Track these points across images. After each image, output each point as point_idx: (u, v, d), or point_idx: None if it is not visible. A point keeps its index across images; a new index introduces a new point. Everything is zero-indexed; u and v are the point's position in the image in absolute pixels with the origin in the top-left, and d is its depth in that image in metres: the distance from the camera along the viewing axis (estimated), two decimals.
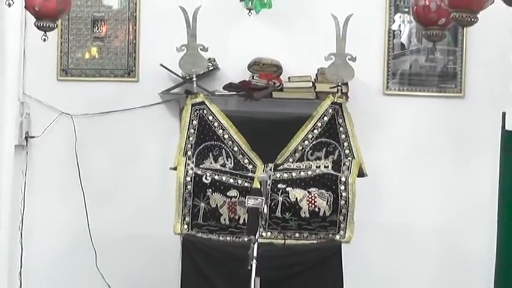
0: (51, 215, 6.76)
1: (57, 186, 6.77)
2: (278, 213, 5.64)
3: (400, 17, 6.65)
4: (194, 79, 6.06)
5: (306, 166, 5.80)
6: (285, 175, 5.73)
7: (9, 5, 4.54)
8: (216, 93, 6.44)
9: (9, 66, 6.36)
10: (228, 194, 5.67)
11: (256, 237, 4.83)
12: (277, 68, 6.49)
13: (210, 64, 6.37)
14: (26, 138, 6.74)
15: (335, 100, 5.92)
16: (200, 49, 5.98)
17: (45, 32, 5.13)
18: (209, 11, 6.04)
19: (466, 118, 6.64)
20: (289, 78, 6.48)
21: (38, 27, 5.07)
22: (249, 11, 5.98)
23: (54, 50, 6.69)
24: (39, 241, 6.75)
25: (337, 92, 5.95)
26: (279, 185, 5.68)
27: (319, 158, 5.85)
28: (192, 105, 5.93)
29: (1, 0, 4.47)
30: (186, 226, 5.72)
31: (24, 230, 6.72)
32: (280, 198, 5.64)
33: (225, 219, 5.69)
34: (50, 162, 6.79)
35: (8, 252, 6.50)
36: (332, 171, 5.75)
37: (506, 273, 6.37)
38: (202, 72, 6.18)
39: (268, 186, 5.49)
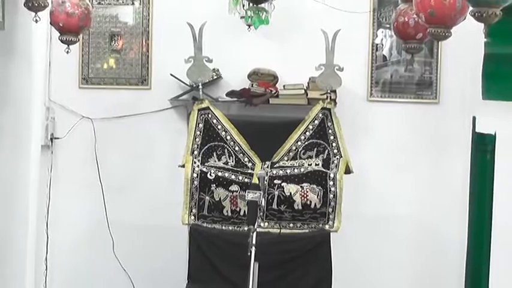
0: (73, 207, 6.78)
1: (79, 182, 6.79)
2: (274, 206, 5.64)
3: (382, 32, 6.65)
4: (200, 87, 6.06)
5: (299, 164, 5.80)
6: (281, 172, 5.73)
7: (36, 21, 4.55)
8: (220, 99, 6.45)
9: (36, 75, 6.36)
10: (230, 188, 5.67)
11: (255, 227, 4.84)
12: (273, 77, 6.50)
13: (214, 74, 6.38)
14: (51, 139, 6.75)
15: (324, 105, 5.92)
16: (205, 60, 5.98)
17: (68, 45, 5.12)
18: (213, 26, 6.04)
19: (441, 122, 6.65)
20: (284, 86, 6.50)
21: (62, 41, 5.08)
22: (249, 27, 5.98)
23: (76, 61, 6.71)
24: (63, 230, 6.76)
25: (327, 98, 5.95)
26: (275, 181, 5.67)
27: (310, 157, 5.85)
28: (198, 110, 5.93)
29: (29, 16, 4.48)
30: (192, 217, 5.72)
31: (49, 220, 6.74)
32: (276, 193, 5.64)
33: (227, 211, 5.69)
34: (72, 160, 6.81)
35: (35, 240, 6.50)
36: (322, 169, 5.75)
37: (476, 257, 6.39)
38: (207, 80, 6.19)
39: (265, 182, 5.48)
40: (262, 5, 5.71)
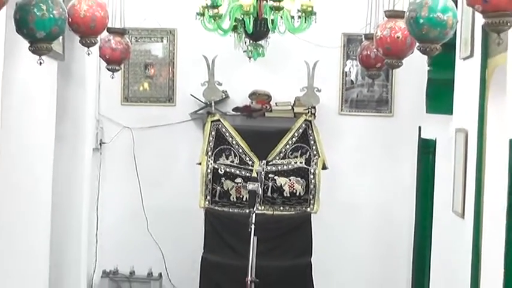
0: (117, 195, 6.77)
1: (121, 176, 6.78)
2: (269, 194, 5.64)
3: (350, 62, 6.64)
4: (213, 104, 6.08)
5: (287, 162, 5.80)
6: (273, 168, 5.73)
7: (89, 54, 4.51)
8: (227, 113, 6.43)
9: (89, 95, 6.36)
10: (235, 180, 5.68)
11: (254, 209, 4.83)
12: (268, 97, 6.48)
13: (223, 94, 6.37)
14: (100, 144, 6.74)
15: (307, 118, 5.92)
16: (217, 84, 5.99)
17: (112, 73, 5.10)
18: (223, 58, 6.05)
19: (394, 130, 6.64)
20: (276, 103, 6.48)
21: (108, 69, 5.05)
22: (249, 59, 5.96)
23: (119, 84, 6.70)
24: (109, 213, 6.76)
25: (308, 112, 5.96)
26: (269, 175, 5.67)
27: (296, 157, 5.84)
28: (211, 121, 5.93)
29: (83, 50, 4.46)
30: (207, 202, 5.72)
31: (99, 205, 6.73)
32: (270, 184, 5.64)
33: (233, 198, 5.69)
34: (116, 160, 6.80)
35: (88, 220, 6.51)
36: (305, 166, 5.75)
37: (421, 233, 6.39)
38: (218, 99, 6.20)
39: (262, 176, 5.48)
40: (260, 42, 5.70)
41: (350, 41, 6.58)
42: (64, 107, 5.85)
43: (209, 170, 5.70)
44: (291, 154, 5.85)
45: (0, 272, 4.04)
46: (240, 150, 5.84)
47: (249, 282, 4.76)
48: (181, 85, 6.70)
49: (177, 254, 6.60)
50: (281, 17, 5.24)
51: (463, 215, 5.08)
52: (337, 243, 6.62)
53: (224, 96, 6.46)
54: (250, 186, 5.09)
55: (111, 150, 6.78)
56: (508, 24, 2.88)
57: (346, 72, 6.68)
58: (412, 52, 4.11)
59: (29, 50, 3.80)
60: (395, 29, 4.11)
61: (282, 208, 5.71)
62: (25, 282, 4.86)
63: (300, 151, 5.85)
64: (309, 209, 5.72)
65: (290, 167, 5.75)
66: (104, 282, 6.67)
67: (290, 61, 6.44)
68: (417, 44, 3.66)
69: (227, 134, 5.89)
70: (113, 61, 5.01)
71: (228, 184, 5.71)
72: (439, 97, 5.80)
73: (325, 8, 5.27)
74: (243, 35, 5.59)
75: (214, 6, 5.18)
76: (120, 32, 4.97)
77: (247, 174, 5.65)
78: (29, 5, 3.69)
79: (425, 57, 3.86)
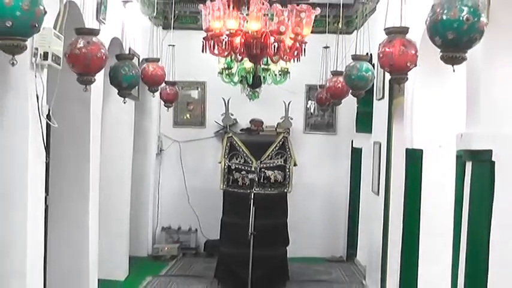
0: (170, 181, 6.72)
1: (172, 170, 6.73)
2: (262, 181, 5.59)
3: (310, 101, 6.65)
4: (228, 126, 6.05)
5: (273, 161, 5.75)
6: (265, 165, 5.68)
7: (153, 96, 4.54)
8: (237, 132, 6.38)
9: (154, 121, 6.39)
10: (241, 173, 5.62)
11: (253, 190, 4.81)
12: (261, 122, 6.42)
13: (234, 120, 6.35)
14: (160, 150, 6.71)
15: (284, 135, 5.86)
16: (230, 115, 5.98)
17: (168, 108, 5.12)
18: (234, 99, 6.03)
19: (337, 143, 6.66)
20: (266, 126, 6.41)
21: (165, 106, 5.08)
22: (250, 99, 5.98)
23: (172, 114, 6.67)
24: (165, 191, 6.72)
25: (285, 132, 5.92)
26: (262, 169, 5.62)
27: (278, 158, 5.78)
28: (227, 137, 5.87)
29: (150, 94, 4.47)
30: (224, 186, 5.66)
31: (160, 187, 6.68)
32: (262, 175, 5.59)
33: (240, 183, 5.62)
34: (170, 160, 6.76)
35: (153, 196, 6.49)
36: (283, 164, 5.71)
37: (353, 204, 6.38)
38: (231, 124, 6.17)
39: (257, 170, 5.46)
40: (256, 89, 5.72)
41: (310, 89, 6.57)
42: (138, 129, 5.87)
43: (225, 166, 5.67)
44: (275, 156, 5.81)
45: (102, 230, 4.06)
46: (244, 154, 5.81)
47: (250, 233, 4.75)
48: (209, 115, 6.68)
49: (206, 217, 6.55)
50: (269, 75, 5.28)
51: (378, 193, 5.08)
52: (303, 210, 6.58)
53: (235, 122, 6.44)
54: (250, 176, 5.09)
55: (167, 155, 6.76)
56: (405, 79, 2.91)
57: (308, 108, 6.69)
58: (348, 95, 4.14)
59: (118, 94, 3.82)
60: (338, 81, 4.15)
61: (269, 189, 5.67)
62: (113, 239, 4.86)
63: (280, 155, 5.81)
64: (286, 190, 5.68)
65: (274, 164, 5.72)
66: (162, 234, 6.65)
67: (274, 101, 6.39)
68: (351, 91, 3.68)
69: (236, 145, 5.85)
70: (168, 101, 5.04)
71: (236, 175, 5.66)
72: (364, 122, 5.82)
73: (295, 69, 5.30)
74: (246, 85, 5.61)
75: (229, 68, 5.23)
76: (172, 83, 5.00)
77: (248, 169, 5.62)
78: (118, 67, 3.74)
79: (356, 98, 3.88)
